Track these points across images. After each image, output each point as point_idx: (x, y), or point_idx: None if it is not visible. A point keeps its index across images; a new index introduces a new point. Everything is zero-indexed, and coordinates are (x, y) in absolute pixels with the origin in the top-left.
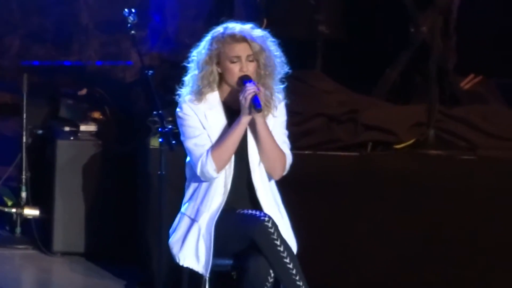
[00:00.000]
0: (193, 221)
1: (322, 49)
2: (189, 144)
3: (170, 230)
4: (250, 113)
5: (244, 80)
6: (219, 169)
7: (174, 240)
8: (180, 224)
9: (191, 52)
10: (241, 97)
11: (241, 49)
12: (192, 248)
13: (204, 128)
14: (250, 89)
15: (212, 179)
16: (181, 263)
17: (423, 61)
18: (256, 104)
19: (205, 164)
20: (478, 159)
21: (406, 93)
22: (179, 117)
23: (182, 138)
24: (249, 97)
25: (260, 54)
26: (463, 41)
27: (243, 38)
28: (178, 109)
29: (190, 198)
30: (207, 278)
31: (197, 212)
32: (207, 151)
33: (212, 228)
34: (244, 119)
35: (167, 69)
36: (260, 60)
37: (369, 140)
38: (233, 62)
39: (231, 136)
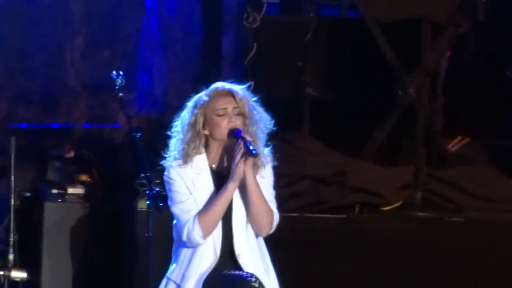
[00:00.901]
0: (178, 286)
1: (309, 110)
2: (176, 209)
3: None
4: (233, 180)
5: (234, 131)
6: (205, 235)
7: None
8: None
9: (178, 115)
10: (236, 151)
11: (227, 102)
12: None
13: (190, 193)
14: (246, 135)
15: (198, 245)
16: None
17: (410, 123)
18: (251, 150)
19: (192, 230)
20: (465, 221)
21: (393, 155)
22: (166, 182)
23: (169, 203)
24: (247, 138)
25: (245, 107)
26: (450, 103)
27: (227, 92)
28: (165, 173)
29: (176, 262)
30: None
31: (183, 277)
32: (194, 217)
33: None
34: (231, 185)
35: (154, 131)
36: (246, 114)
37: (356, 202)
38: (220, 116)
39: (218, 203)
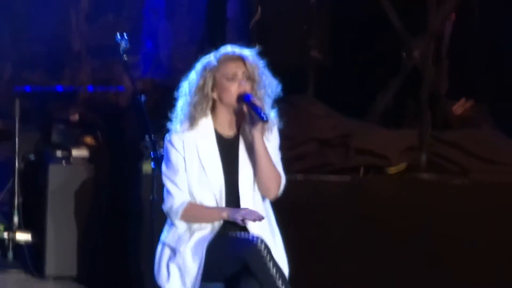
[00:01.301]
0: (174, 249)
1: (314, 74)
2: (166, 179)
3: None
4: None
5: (244, 96)
6: (183, 221)
7: (157, 271)
8: (163, 255)
9: (183, 79)
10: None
11: (237, 66)
12: (177, 277)
13: (185, 168)
14: (256, 100)
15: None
16: None
17: (415, 86)
18: (262, 116)
19: (174, 213)
20: (470, 183)
21: (398, 117)
22: (166, 147)
23: (162, 168)
24: (257, 103)
25: (255, 72)
26: (455, 66)
27: (237, 57)
28: (167, 137)
29: (171, 225)
30: None
31: (178, 239)
32: (185, 203)
33: (202, 254)
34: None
35: (159, 94)
36: (255, 79)
37: (361, 164)
38: (230, 80)
39: (208, 218)
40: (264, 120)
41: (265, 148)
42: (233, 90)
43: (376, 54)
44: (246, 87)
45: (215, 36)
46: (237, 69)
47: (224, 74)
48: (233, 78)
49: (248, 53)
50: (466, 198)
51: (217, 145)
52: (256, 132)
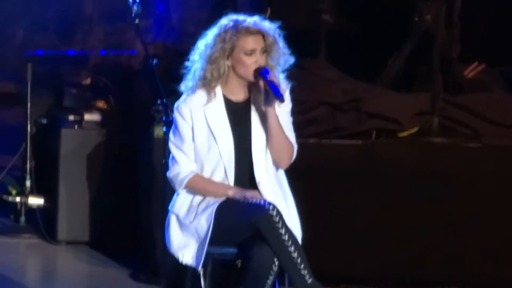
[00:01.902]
0: (184, 216)
1: (325, 38)
2: (173, 149)
3: (165, 232)
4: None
5: (260, 71)
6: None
7: (168, 239)
8: (172, 222)
9: (196, 43)
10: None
11: (257, 42)
12: (188, 244)
13: (193, 138)
14: (273, 77)
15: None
16: (181, 260)
17: (427, 49)
18: (278, 96)
19: (178, 182)
20: (482, 147)
21: (410, 81)
22: (175, 116)
23: (170, 136)
24: (274, 81)
25: (272, 46)
26: (466, 29)
27: (258, 31)
28: (176, 106)
29: (178, 193)
30: (201, 272)
31: (187, 206)
32: (190, 174)
33: (211, 219)
34: (230, 193)
35: (171, 58)
36: (271, 52)
37: (373, 128)
38: (247, 55)
39: (213, 192)
40: (280, 99)
41: (278, 122)
42: (250, 64)
43: (387, 18)
44: (262, 61)
45: (227, 0)
46: (257, 45)
47: (242, 48)
48: (251, 53)
49: (268, 26)
50: (478, 162)
51: (226, 110)
52: (270, 108)
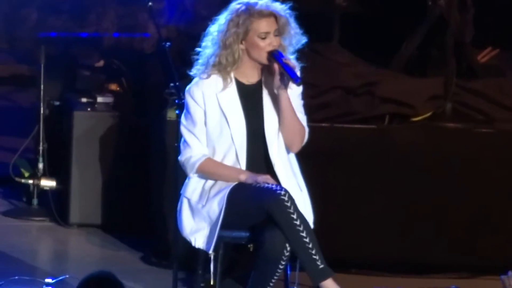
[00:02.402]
0: (196, 200)
1: (339, 22)
2: (185, 132)
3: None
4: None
5: (274, 54)
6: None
7: (180, 223)
8: (184, 206)
9: (209, 26)
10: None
11: (270, 24)
12: (200, 227)
13: (205, 122)
14: (288, 60)
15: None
16: (193, 244)
17: (440, 34)
18: (294, 78)
19: (190, 165)
20: (495, 132)
21: (423, 66)
22: (186, 97)
23: (181, 119)
24: (290, 63)
25: (285, 28)
26: (480, 14)
27: (270, 13)
28: (187, 89)
29: (190, 178)
30: (212, 256)
31: (199, 190)
32: (202, 157)
33: (224, 202)
34: (242, 177)
35: (184, 41)
36: (284, 33)
37: (386, 112)
38: (262, 38)
39: (225, 177)
40: (297, 82)
41: (291, 105)
42: (264, 47)
43: (401, 2)
44: (275, 43)
45: None
46: (270, 28)
47: (256, 31)
48: (265, 36)
49: (279, 8)
50: (491, 146)
51: (238, 94)
52: (283, 91)
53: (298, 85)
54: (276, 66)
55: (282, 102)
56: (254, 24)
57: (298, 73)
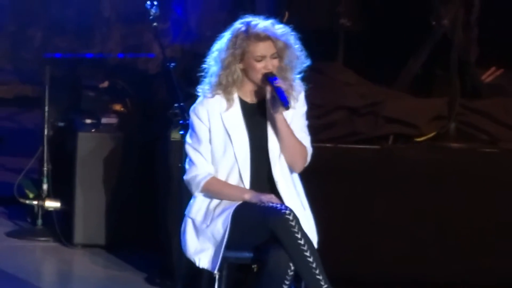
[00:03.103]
0: (200, 220)
1: (343, 41)
2: (190, 151)
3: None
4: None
5: (269, 77)
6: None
7: (184, 243)
8: (188, 226)
9: (212, 46)
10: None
11: (266, 48)
12: (204, 248)
13: (210, 140)
14: (280, 83)
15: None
16: (197, 265)
17: (445, 53)
18: (284, 102)
19: (195, 184)
20: (500, 152)
21: (427, 86)
22: (191, 116)
23: (186, 138)
24: (282, 87)
25: (283, 51)
26: (484, 34)
27: (267, 37)
28: (192, 109)
29: (195, 198)
30: (217, 276)
31: (203, 210)
32: (207, 176)
33: (228, 222)
34: (247, 197)
35: (188, 61)
36: (283, 56)
37: (390, 132)
38: (258, 61)
39: (229, 196)
40: (285, 106)
41: (287, 126)
42: (259, 69)
43: (405, 22)
44: (273, 65)
45: (244, 3)
46: (266, 52)
47: (252, 54)
48: (261, 59)
49: (279, 31)
50: (496, 167)
51: (242, 113)
52: (278, 114)
53: (287, 109)
54: (269, 88)
55: (278, 124)
56: (250, 47)
57: (302, 95)
